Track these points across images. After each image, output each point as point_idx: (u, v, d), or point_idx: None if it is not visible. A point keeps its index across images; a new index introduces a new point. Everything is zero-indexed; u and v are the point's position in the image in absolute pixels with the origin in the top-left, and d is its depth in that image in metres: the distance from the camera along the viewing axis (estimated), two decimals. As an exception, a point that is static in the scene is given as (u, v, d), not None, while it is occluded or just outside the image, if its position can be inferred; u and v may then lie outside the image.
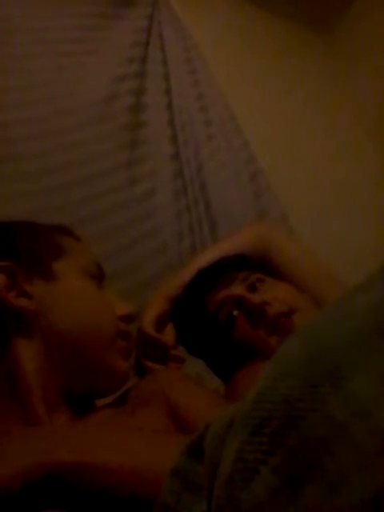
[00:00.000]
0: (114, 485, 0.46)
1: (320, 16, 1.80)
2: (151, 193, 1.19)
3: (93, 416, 0.65)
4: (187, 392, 0.67)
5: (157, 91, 1.34)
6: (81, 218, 1.04)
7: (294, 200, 1.41)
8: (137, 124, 1.26)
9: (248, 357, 0.86)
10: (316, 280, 0.97)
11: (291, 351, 0.30)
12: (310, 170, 1.56)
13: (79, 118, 1.17)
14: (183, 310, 0.94)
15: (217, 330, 0.89)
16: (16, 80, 1.13)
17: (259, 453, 0.28)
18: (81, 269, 0.68)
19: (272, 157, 1.45)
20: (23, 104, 1.10)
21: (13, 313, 0.62)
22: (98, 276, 0.70)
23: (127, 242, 1.08)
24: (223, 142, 1.34)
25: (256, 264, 0.96)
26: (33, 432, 0.51)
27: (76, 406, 0.65)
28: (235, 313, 0.87)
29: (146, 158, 1.23)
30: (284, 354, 0.30)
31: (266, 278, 0.92)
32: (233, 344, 0.88)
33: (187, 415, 0.62)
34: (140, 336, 0.91)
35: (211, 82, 1.42)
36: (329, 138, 1.66)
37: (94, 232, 1.03)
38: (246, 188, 1.29)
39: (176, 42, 1.42)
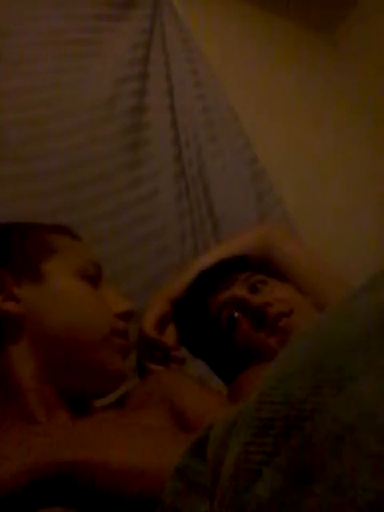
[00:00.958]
0: (120, 483, 0.46)
1: (324, 18, 1.80)
2: (154, 194, 1.19)
3: (94, 416, 0.65)
4: (191, 392, 0.66)
5: (159, 92, 1.34)
6: (83, 219, 1.04)
7: (300, 203, 1.41)
8: (139, 125, 1.26)
9: (250, 358, 0.85)
10: (318, 281, 0.97)
11: (295, 352, 0.30)
12: (317, 172, 1.55)
13: (81, 119, 1.17)
14: (185, 311, 0.94)
15: (219, 331, 0.89)
16: (18, 82, 1.13)
17: (263, 454, 0.28)
18: (73, 268, 0.67)
19: (276, 158, 1.45)
20: (25, 106, 1.10)
21: (1, 317, 0.62)
22: (94, 275, 0.69)
23: (129, 242, 1.08)
24: (225, 142, 1.34)
25: (258, 265, 0.96)
26: (35, 430, 0.51)
27: (76, 408, 0.64)
28: (236, 314, 0.87)
29: (148, 159, 1.23)
30: (288, 354, 0.30)
31: (268, 279, 0.91)
32: (235, 345, 0.88)
33: (192, 415, 0.61)
34: (141, 337, 0.91)
35: (213, 83, 1.42)
36: (335, 142, 1.66)
37: (97, 233, 1.03)
38: (248, 189, 1.29)
39: (178, 42, 1.41)
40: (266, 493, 0.27)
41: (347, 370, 0.26)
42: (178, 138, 1.30)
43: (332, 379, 0.26)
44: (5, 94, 1.10)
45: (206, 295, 0.91)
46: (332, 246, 1.37)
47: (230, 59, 1.58)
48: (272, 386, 0.29)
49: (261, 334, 0.85)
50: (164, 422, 0.62)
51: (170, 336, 0.91)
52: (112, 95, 1.24)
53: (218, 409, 0.62)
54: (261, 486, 0.27)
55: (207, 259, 0.99)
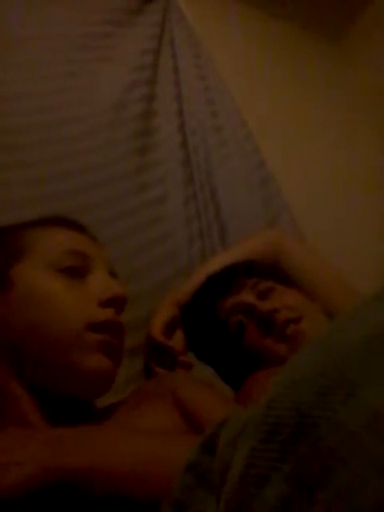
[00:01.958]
0: (125, 488, 0.46)
1: (331, 23, 1.80)
2: (162, 198, 1.19)
3: (95, 417, 0.65)
4: (200, 392, 0.65)
5: (167, 97, 1.34)
6: (91, 222, 1.04)
7: (306, 207, 1.41)
8: (147, 130, 1.26)
9: (257, 364, 0.85)
10: (326, 286, 0.97)
11: (304, 359, 0.30)
12: (324, 181, 1.55)
13: (90, 124, 1.17)
14: (193, 316, 0.94)
15: (227, 336, 0.89)
16: (27, 87, 1.14)
17: (271, 460, 0.28)
18: (45, 263, 0.64)
19: (284, 164, 1.45)
20: (34, 111, 1.11)
21: None
22: (74, 265, 0.65)
23: (137, 247, 1.08)
24: (233, 147, 1.34)
25: (266, 270, 0.96)
26: (36, 436, 0.50)
27: (75, 409, 0.63)
28: (245, 321, 0.87)
29: (156, 163, 1.23)
30: (297, 361, 0.30)
31: (276, 286, 0.91)
32: (243, 351, 0.88)
33: (201, 414, 0.60)
34: (149, 341, 0.91)
35: (222, 88, 1.42)
36: (342, 148, 1.66)
37: (105, 237, 1.03)
38: (256, 194, 1.29)
39: (187, 48, 1.42)
40: (273, 499, 0.27)
41: (356, 378, 0.26)
42: (186, 142, 1.30)
43: (340, 386, 0.26)
44: (15, 98, 1.11)
45: (214, 300, 0.91)
46: (334, 251, 1.36)
47: (239, 64, 1.59)
48: (280, 392, 0.29)
49: (268, 341, 0.85)
50: (169, 418, 0.61)
51: (177, 341, 0.92)
52: (121, 100, 1.24)
53: (228, 407, 0.62)
54: (269, 491, 0.27)
55: (215, 264, 0.99)
